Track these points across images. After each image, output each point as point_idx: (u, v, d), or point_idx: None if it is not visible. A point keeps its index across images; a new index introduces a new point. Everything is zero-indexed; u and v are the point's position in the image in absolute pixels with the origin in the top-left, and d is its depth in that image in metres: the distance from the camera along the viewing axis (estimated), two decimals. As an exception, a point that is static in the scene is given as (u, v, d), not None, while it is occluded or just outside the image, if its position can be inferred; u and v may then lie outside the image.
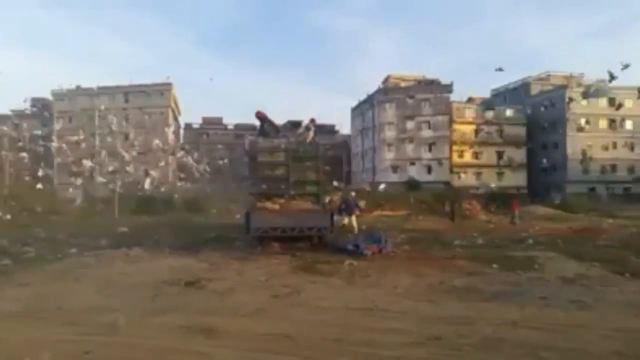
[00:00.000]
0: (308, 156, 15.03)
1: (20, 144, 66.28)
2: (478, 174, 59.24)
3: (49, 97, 69.46)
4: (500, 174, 59.12)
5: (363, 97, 65.61)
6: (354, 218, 18.00)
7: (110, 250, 13.65)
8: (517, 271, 9.95)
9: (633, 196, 50.52)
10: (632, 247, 13.68)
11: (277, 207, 14.23)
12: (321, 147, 16.14)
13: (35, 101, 72.04)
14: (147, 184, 53.56)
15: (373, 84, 72.44)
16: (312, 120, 16.21)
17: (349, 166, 68.78)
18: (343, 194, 21.17)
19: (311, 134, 15.67)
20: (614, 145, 59.39)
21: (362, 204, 20.28)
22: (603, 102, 59.14)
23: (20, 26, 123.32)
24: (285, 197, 14.57)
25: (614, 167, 58.63)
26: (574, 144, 57.99)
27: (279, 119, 17.88)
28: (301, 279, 9.27)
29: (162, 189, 48.87)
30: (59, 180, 64.98)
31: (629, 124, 59.74)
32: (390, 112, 60.09)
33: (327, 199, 17.07)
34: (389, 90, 61.58)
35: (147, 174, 63.30)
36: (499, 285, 8.61)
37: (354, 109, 70.43)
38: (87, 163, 57.31)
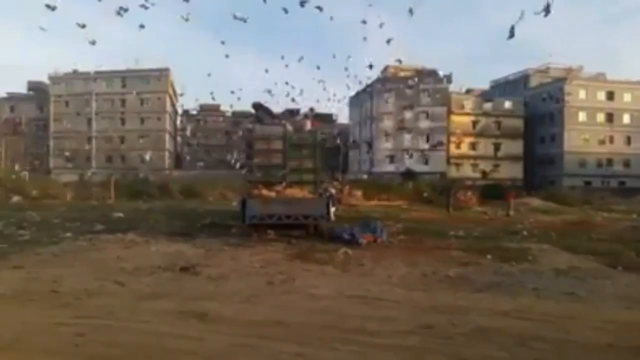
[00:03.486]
0: (305, 144, 15.02)
1: (22, 127, 66.04)
2: (475, 166, 59.44)
3: (46, 80, 68.60)
4: (496, 166, 59.33)
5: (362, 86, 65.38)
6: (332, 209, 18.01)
7: (105, 234, 13.65)
8: (511, 262, 9.99)
9: (628, 190, 50.78)
10: (625, 240, 13.75)
11: (273, 194, 14.27)
12: (319, 135, 16.12)
13: (31, 84, 71.47)
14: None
15: (372, 74, 72.09)
16: (311, 109, 16.19)
17: (346, 155, 68.76)
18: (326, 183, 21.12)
19: (309, 122, 15.65)
20: (611, 140, 59.61)
21: (333, 191, 20.20)
22: (602, 95, 59.27)
23: (17, 8, 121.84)
24: (282, 185, 14.59)
25: (610, 161, 58.86)
26: (571, 138, 58.15)
27: (278, 108, 17.88)
28: (296, 266, 9.29)
29: (159, 174, 48.72)
30: (54, 164, 64.86)
31: (626, 118, 59.91)
32: (388, 102, 60.02)
33: (323, 187, 17.07)
34: (387, 80, 61.40)
35: (142, 159, 63.37)
36: (492, 276, 8.66)
37: (352, 99, 70.25)
38: (83, 148, 57.11)
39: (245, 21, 14.87)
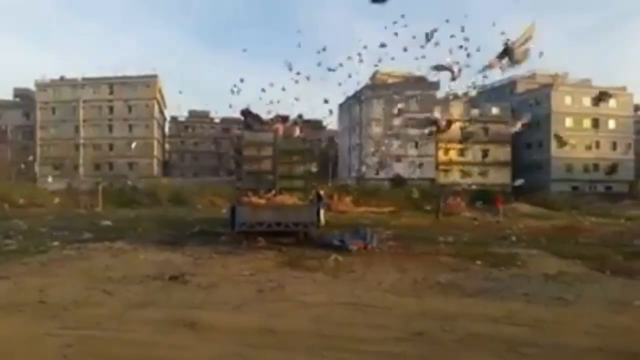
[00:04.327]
0: (295, 150, 15.03)
1: (7, 135, 65.14)
2: (463, 172, 59.80)
3: (32, 87, 67.77)
4: (484, 172, 59.73)
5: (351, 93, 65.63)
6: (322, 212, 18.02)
7: (93, 243, 13.50)
8: (500, 267, 10.06)
9: (614, 195, 51.40)
10: (613, 245, 13.92)
11: (263, 201, 14.22)
12: (308, 142, 16.16)
13: (17, 91, 70.55)
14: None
15: (361, 80, 72.30)
16: (300, 116, 16.21)
17: (335, 162, 68.80)
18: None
19: (297, 128, 15.66)
20: (597, 145, 60.30)
21: (322, 192, 20.15)
22: (587, 101, 60.02)
23: (2, 15, 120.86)
24: (272, 192, 14.55)
25: (596, 166, 59.51)
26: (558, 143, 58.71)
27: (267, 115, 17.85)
28: (286, 274, 9.27)
29: (147, 182, 48.34)
30: (41, 172, 64.05)
31: (611, 124, 60.65)
32: (377, 109, 60.25)
33: (313, 193, 17.08)
34: (376, 87, 61.64)
35: (130, 167, 62.88)
36: (482, 282, 8.71)
37: (341, 105, 70.36)
38: (70, 155, 56.50)
39: None
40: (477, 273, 9.61)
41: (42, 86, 66.85)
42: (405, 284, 8.48)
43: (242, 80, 50.03)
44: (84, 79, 66.16)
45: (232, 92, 19.44)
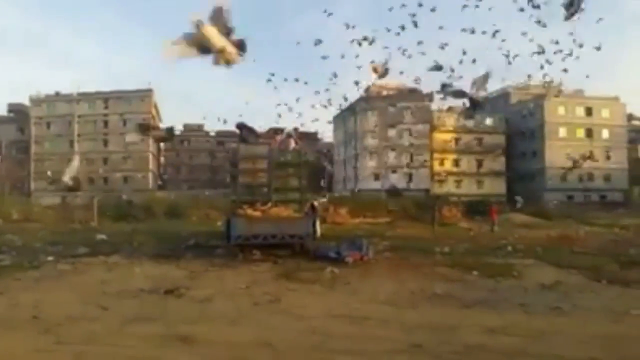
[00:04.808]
0: (290, 163, 15.02)
1: (2, 150, 64.77)
2: (458, 182, 59.99)
3: (27, 102, 67.66)
4: (480, 182, 59.94)
5: (345, 105, 65.84)
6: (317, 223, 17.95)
7: (89, 257, 13.40)
8: (497, 278, 10.05)
9: (609, 204, 51.60)
10: (608, 254, 13.94)
11: (258, 214, 14.16)
12: (303, 154, 16.16)
13: (11, 106, 70.40)
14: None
15: (355, 92, 72.55)
16: (295, 129, 16.26)
17: (331, 174, 68.83)
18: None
19: (292, 141, 15.69)
20: (591, 155, 60.62)
21: (316, 203, 19.97)
22: (580, 111, 60.53)
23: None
24: (267, 204, 14.49)
25: (590, 176, 59.79)
26: (552, 153, 59.05)
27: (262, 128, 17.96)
28: (282, 286, 9.23)
29: (142, 196, 48.12)
30: (35, 187, 63.74)
31: (605, 133, 61.10)
32: (371, 120, 60.51)
33: (308, 206, 17.05)
34: (370, 99, 61.94)
35: (126, 180, 62.70)
36: (479, 292, 8.70)
37: (336, 117, 70.53)
38: (65, 171, 56.19)
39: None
40: (474, 284, 9.62)
41: (36, 101, 66.80)
42: (402, 295, 8.46)
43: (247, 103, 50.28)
44: (79, 94, 66.22)
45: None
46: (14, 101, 69.86)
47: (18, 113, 69.44)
